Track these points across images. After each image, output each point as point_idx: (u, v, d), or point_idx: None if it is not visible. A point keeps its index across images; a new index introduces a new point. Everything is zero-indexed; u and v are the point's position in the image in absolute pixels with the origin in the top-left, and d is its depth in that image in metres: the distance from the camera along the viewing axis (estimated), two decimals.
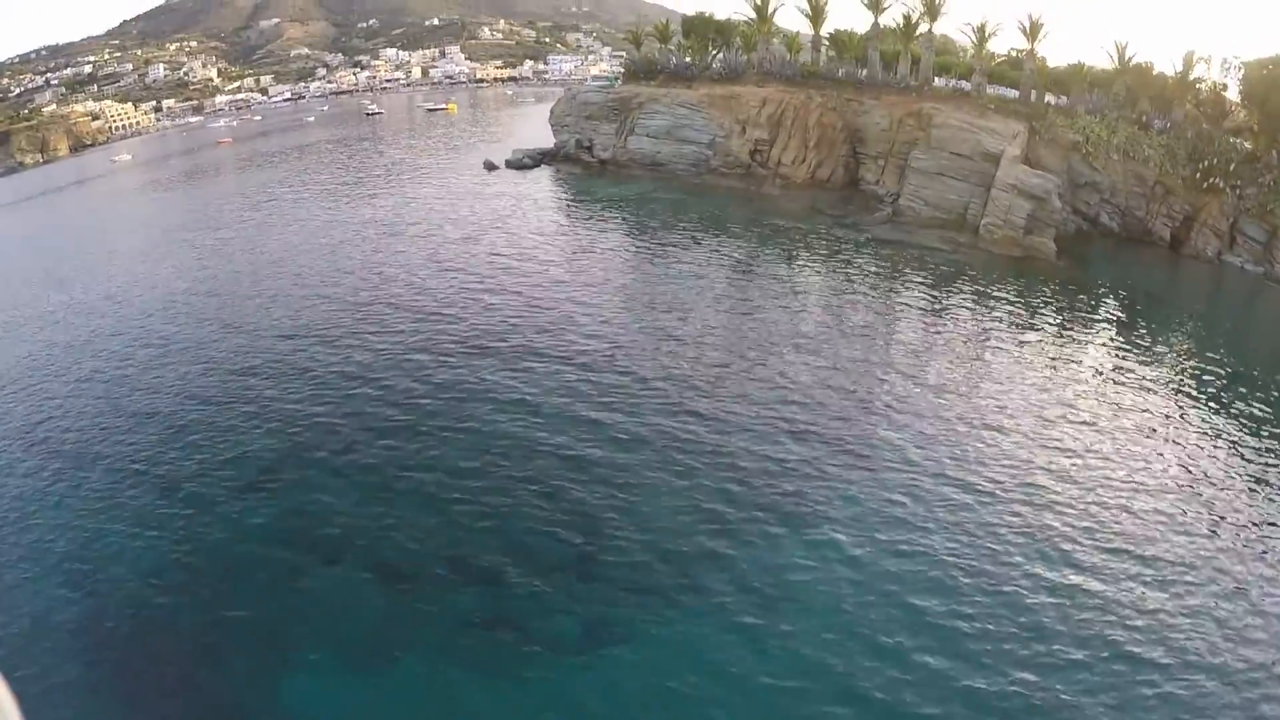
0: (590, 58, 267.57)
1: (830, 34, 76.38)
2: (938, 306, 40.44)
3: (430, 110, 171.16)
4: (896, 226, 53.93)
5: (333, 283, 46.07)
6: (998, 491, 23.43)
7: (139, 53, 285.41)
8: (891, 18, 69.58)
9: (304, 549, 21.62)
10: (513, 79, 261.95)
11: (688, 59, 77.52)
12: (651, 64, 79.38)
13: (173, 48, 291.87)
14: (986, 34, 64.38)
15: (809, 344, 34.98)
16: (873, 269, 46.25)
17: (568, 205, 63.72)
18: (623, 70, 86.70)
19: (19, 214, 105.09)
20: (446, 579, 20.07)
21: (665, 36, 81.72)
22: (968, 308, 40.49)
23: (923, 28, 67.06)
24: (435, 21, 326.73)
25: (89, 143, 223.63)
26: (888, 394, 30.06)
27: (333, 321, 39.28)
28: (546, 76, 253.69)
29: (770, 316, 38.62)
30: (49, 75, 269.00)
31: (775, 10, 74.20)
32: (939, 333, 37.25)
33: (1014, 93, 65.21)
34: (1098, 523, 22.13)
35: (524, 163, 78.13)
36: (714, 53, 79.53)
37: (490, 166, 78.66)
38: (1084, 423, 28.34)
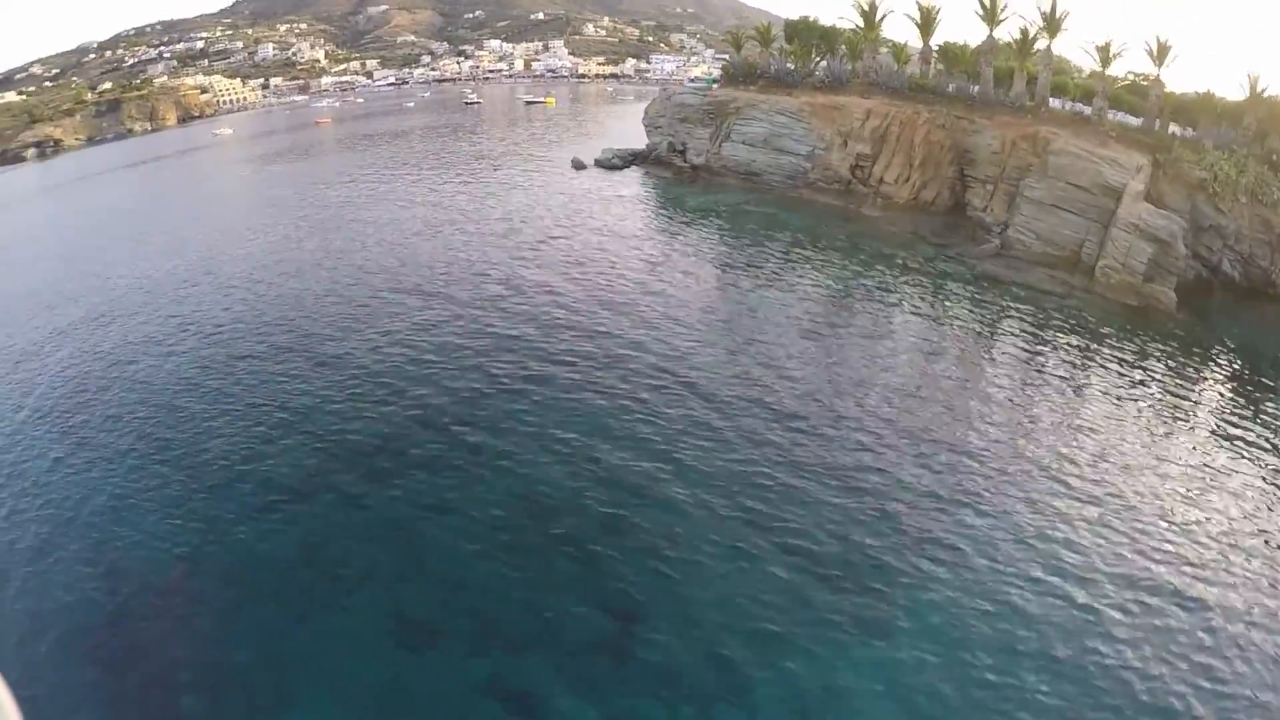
0: (692, 59, 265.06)
1: (940, 46, 72.53)
2: (1047, 364, 35.36)
3: (528, 103, 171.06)
4: (1004, 261, 49.91)
5: (394, 281, 44.70)
6: (1115, 613, 19.09)
7: (250, 31, 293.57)
8: (1007, 31, 65.67)
9: (317, 585, 19.84)
10: (614, 76, 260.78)
11: (790, 64, 74.51)
12: (751, 68, 76.63)
13: (283, 29, 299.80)
14: (1111, 54, 59.93)
15: (900, 398, 30.68)
16: (977, 312, 41.76)
17: (653, 212, 61.56)
18: (721, 73, 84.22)
19: (124, 180, 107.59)
20: (465, 640, 17.94)
21: (767, 40, 78.70)
22: (1081, 366, 35.29)
23: (1040, 44, 62.80)
24: (540, 16, 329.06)
25: (196, 115, 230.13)
26: (988, 470, 25.62)
27: (386, 326, 37.59)
28: (648, 75, 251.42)
29: (861, 360, 34.59)
30: (162, 49, 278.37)
31: (884, 18, 70.95)
32: (1047, 396, 32.12)
33: (1136, 120, 60.64)
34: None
35: (614, 163, 76.57)
36: (817, 60, 76.45)
37: (579, 165, 77.46)
38: (1224, 531, 22.96)
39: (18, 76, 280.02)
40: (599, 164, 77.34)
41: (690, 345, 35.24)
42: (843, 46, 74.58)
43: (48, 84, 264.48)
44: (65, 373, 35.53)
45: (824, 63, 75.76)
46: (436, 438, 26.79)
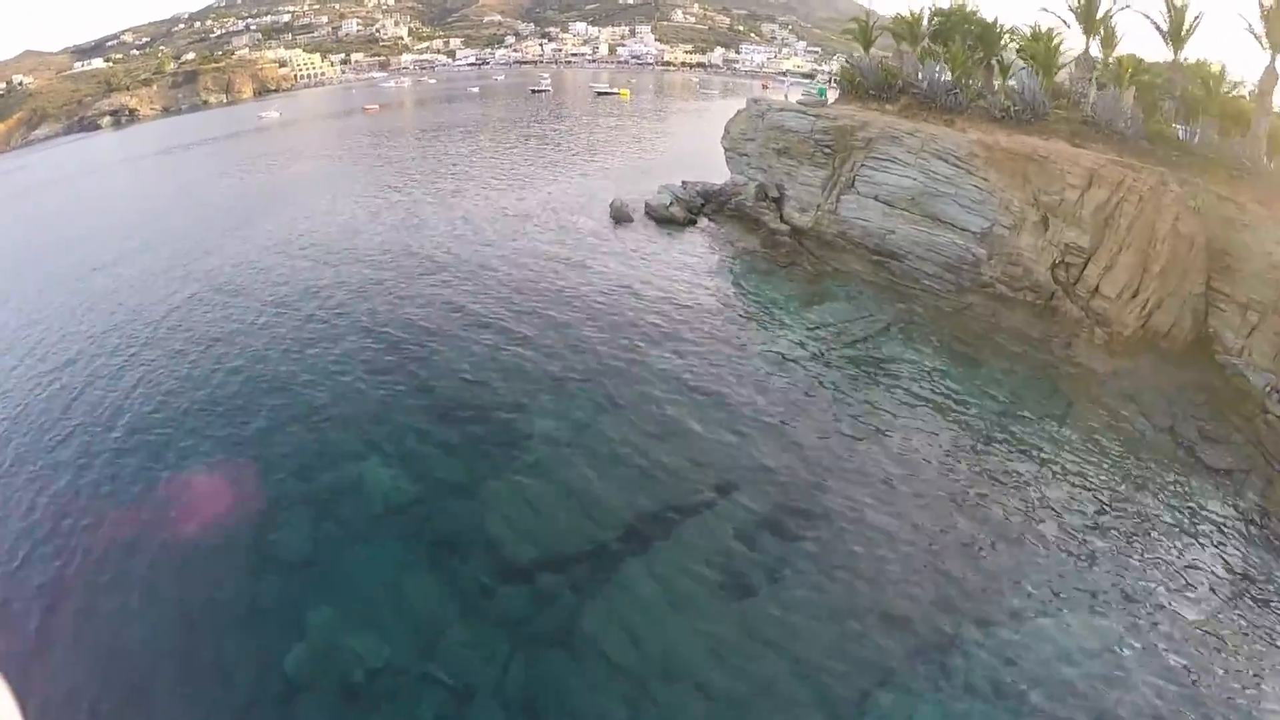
0: (784, 50, 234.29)
1: (1192, 66, 42.37)
2: None
3: (599, 94, 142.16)
4: None
5: None
6: None
7: (336, 6, 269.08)
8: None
9: None
10: (701, 65, 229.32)
11: (946, 76, 44.08)
12: (889, 76, 46.05)
13: (371, 4, 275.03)
14: None
15: None
16: None
17: (711, 330, 32.16)
18: (836, 81, 53.74)
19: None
20: None
21: (915, 36, 48.30)
22: None
23: None
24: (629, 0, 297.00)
25: (273, 88, 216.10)
26: None
27: None
28: (736, 66, 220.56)
29: None
30: (249, 21, 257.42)
31: (1112, 15, 40.83)
32: None
33: None
34: None
35: (672, 212, 46.92)
36: (998, 75, 46.23)
37: (622, 217, 48.12)
38: None
39: (109, 44, 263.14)
40: (652, 212, 48.19)
41: None
42: (1030, 59, 44.18)
43: (135, 52, 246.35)
44: None
45: (1012, 80, 45.58)
46: None
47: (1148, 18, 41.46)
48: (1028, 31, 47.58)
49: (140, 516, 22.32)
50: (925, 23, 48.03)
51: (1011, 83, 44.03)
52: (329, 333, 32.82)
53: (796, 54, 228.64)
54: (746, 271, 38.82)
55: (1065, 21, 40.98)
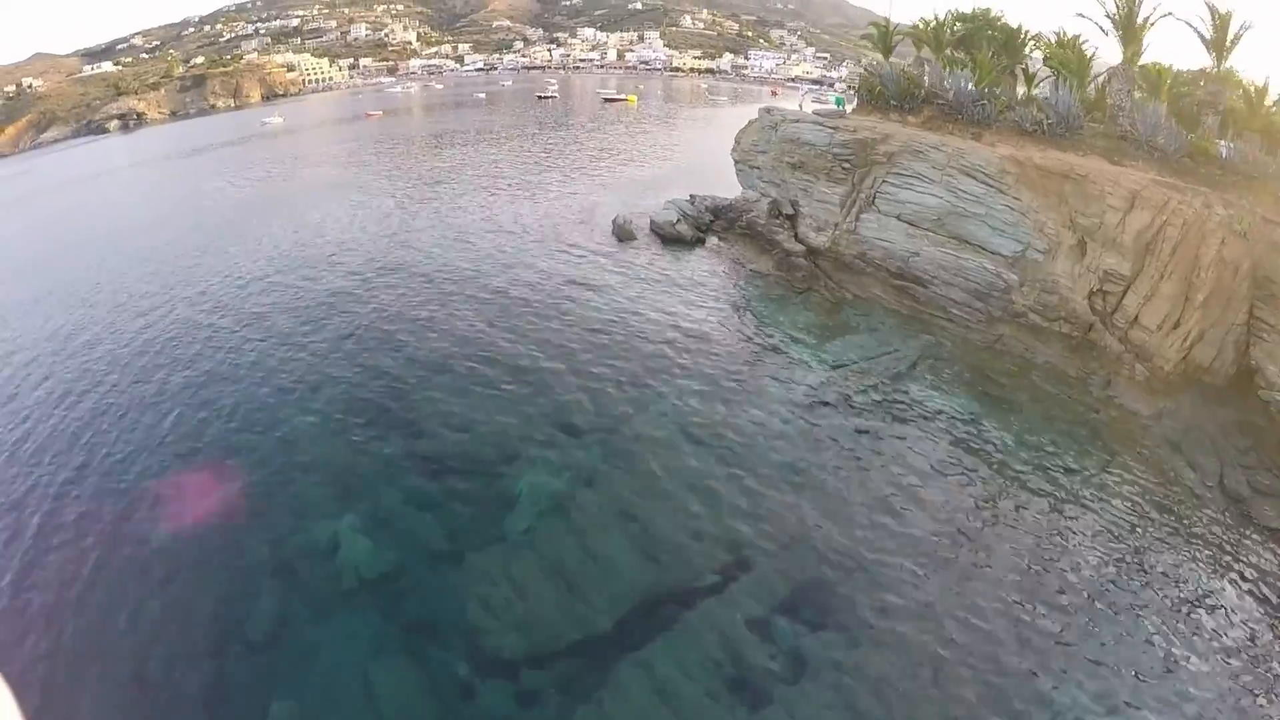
0: (793, 56, 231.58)
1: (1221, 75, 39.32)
2: None
3: (606, 100, 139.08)
4: None
5: None
6: None
7: (345, 10, 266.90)
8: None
9: None
10: (710, 71, 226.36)
11: (971, 86, 41.00)
12: (911, 84, 42.21)
13: (380, 9, 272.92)
14: None
15: None
16: None
17: (720, 370, 28.99)
18: (855, 89, 50.57)
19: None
20: None
21: (940, 43, 44.98)
22: None
23: None
24: (638, 5, 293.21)
25: (281, 93, 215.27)
26: None
27: None
28: (745, 72, 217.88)
29: None
30: (259, 25, 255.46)
31: (1152, 23, 37.73)
32: None
33: None
34: None
35: (679, 231, 43.86)
36: (1022, 83, 43.23)
37: (624, 235, 44.74)
38: None
39: (119, 47, 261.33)
40: (657, 229, 45.01)
41: None
42: (1061, 71, 41.09)
43: (144, 56, 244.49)
44: None
45: (1032, 89, 42.66)
46: None
47: (1190, 25, 38.57)
48: (1051, 38, 44.72)
49: (73, 580, 19.61)
50: (949, 28, 44.91)
51: (1037, 91, 41.06)
52: (305, 363, 30.03)
53: (805, 60, 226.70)
54: (759, 298, 35.78)
55: (1103, 28, 37.77)
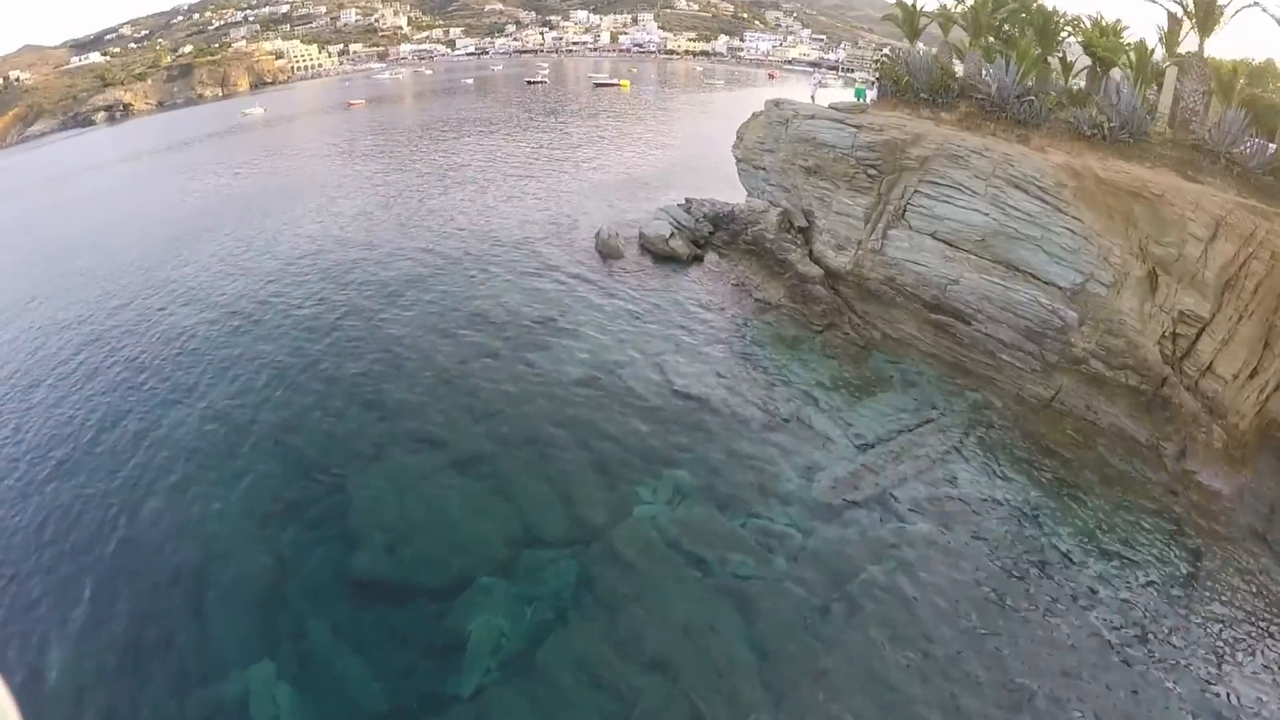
0: (789, 38, 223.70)
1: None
2: None
3: (598, 85, 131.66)
4: None
5: None
6: None
7: None
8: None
9: None
10: (705, 54, 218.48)
11: (1016, 80, 33.52)
12: (946, 74, 34.99)
13: None
14: None
15: None
16: None
17: (720, 448, 22.44)
18: (875, 78, 43.19)
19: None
20: None
21: (978, 25, 37.40)
22: None
23: None
24: None
25: (269, 80, 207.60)
26: None
27: None
28: (741, 55, 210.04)
29: None
30: (247, 12, 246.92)
31: (1238, 10, 30.70)
32: None
33: None
34: None
35: (672, 247, 37.04)
36: (1065, 74, 36.34)
37: (609, 252, 37.81)
38: None
39: (108, 37, 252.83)
40: (647, 245, 38.24)
41: None
42: (1124, 64, 34.15)
43: (133, 46, 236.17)
44: None
45: (1069, 82, 35.76)
46: None
47: (1268, 13, 31.61)
48: (1086, 23, 37.70)
49: None
50: (990, 9, 37.75)
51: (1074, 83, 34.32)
52: (221, 443, 23.68)
53: (802, 41, 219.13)
54: (769, 341, 28.95)
55: (1179, 15, 30.95)
